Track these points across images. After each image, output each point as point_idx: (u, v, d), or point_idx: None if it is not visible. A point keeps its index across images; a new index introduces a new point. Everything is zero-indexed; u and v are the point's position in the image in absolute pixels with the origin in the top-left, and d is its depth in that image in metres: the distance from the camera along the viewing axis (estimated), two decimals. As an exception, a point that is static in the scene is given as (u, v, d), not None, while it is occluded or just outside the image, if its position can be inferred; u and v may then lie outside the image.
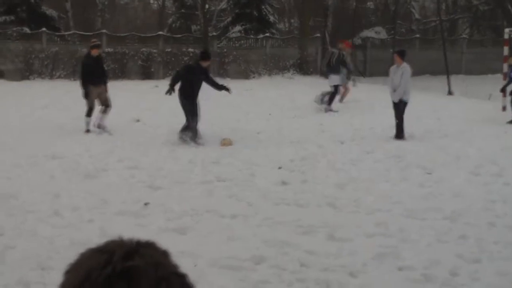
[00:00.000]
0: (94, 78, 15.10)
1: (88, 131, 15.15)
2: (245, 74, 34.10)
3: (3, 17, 35.17)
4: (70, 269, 1.21)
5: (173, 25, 43.10)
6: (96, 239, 6.32)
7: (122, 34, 36.60)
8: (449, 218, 8.44)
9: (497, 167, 11.78)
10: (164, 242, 1.33)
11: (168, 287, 1.18)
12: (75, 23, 43.88)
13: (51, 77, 31.17)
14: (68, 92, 24.02)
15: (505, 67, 21.01)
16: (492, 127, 16.99)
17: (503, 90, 20.03)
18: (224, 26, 40.68)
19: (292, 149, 13.52)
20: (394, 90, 15.13)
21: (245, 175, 11.09)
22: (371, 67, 36.06)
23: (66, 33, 35.63)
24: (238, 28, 39.02)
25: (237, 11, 40.09)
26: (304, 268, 6.57)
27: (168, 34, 37.64)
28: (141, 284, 1.15)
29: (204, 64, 14.44)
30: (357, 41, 38.11)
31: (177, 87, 14.15)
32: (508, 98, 18.89)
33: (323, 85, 23.10)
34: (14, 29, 33.35)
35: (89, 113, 15.22)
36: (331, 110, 19.89)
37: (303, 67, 35.93)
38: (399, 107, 15.02)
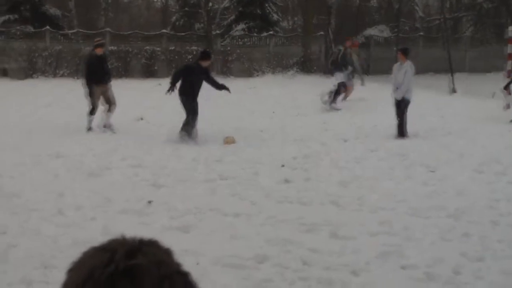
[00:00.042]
0: (97, 77, 15.11)
1: (90, 129, 15.16)
2: (248, 72, 34.07)
3: (7, 16, 35.24)
4: (73, 268, 1.21)
5: (177, 23, 43.12)
6: (99, 238, 6.30)
7: (125, 33, 36.62)
8: (453, 216, 8.43)
9: (501, 165, 11.76)
10: (167, 240, 1.33)
11: (171, 285, 1.18)
12: (79, 21, 43.92)
13: (55, 75, 31.18)
14: (71, 91, 24.03)
15: (509, 65, 21.00)
16: (496, 125, 16.96)
17: (506, 88, 19.98)
18: (227, 24, 40.68)
19: (295, 147, 13.52)
20: (397, 88, 15.12)
21: (248, 173, 11.09)
22: (375, 66, 35.97)
23: (70, 31, 35.68)
24: (241, 26, 39.03)
25: (240, 9, 40.10)
26: (307, 266, 6.57)
27: (172, 32, 37.66)
28: (144, 283, 1.15)
29: (204, 63, 14.42)
30: (361, 39, 38.04)
31: (178, 85, 14.16)
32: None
33: (326, 83, 23.10)
34: (18, 27, 33.41)
35: (92, 112, 15.23)
36: (336, 108, 19.87)
37: (307, 65, 35.89)
38: (400, 106, 15.01)
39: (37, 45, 31.61)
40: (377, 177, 10.86)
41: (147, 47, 33.56)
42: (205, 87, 14.62)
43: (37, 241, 7.22)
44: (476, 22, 47.36)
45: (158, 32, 36.57)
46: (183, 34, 36.81)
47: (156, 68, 33.04)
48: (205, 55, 14.80)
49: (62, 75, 31.15)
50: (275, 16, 40.40)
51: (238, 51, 34.89)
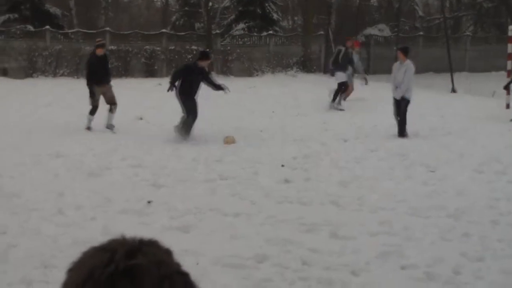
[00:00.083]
0: (98, 77, 15.13)
1: (89, 128, 15.17)
2: (248, 72, 34.08)
3: (7, 15, 35.27)
4: (73, 268, 1.21)
5: (177, 22, 43.13)
6: (99, 238, 6.30)
7: (125, 32, 36.63)
8: (453, 216, 8.44)
9: (501, 165, 11.77)
10: (167, 240, 1.33)
11: (171, 285, 1.18)
12: (79, 21, 43.96)
13: (55, 75, 31.19)
14: (71, 90, 24.05)
15: (509, 65, 20.99)
16: (496, 124, 16.96)
17: (506, 87, 20.01)
18: (227, 24, 40.71)
19: (295, 147, 13.52)
20: (397, 87, 15.12)
21: (248, 173, 11.09)
22: (375, 65, 35.99)
23: (70, 31, 35.70)
24: (241, 25, 39.06)
25: (240, 8, 40.13)
26: (307, 266, 6.57)
27: (172, 32, 37.68)
28: (144, 283, 1.15)
29: (203, 63, 14.42)
30: (361, 38, 38.06)
31: (177, 85, 14.18)
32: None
33: (327, 82, 23.10)
34: (18, 27, 33.43)
35: (92, 112, 15.24)
36: (338, 108, 19.84)
37: (307, 65, 35.90)
38: (401, 105, 15.01)
39: (37, 44, 31.61)
40: (377, 177, 10.86)
41: (147, 46, 33.57)
42: (205, 87, 14.63)
43: (37, 240, 7.22)
44: (476, 22, 47.45)
45: (158, 32, 36.57)
46: (183, 33, 36.82)
47: (156, 67, 33.05)
48: (204, 55, 14.82)
49: (62, 75, 31.15)
50: (275, 16, 40.43)
51: (238, 50, 34.89)
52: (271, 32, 37.37)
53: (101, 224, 7.75)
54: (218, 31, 37.52)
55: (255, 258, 6.70)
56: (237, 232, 7.65)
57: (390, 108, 15.47)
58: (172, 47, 33.65)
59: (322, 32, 38.13)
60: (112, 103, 15.34)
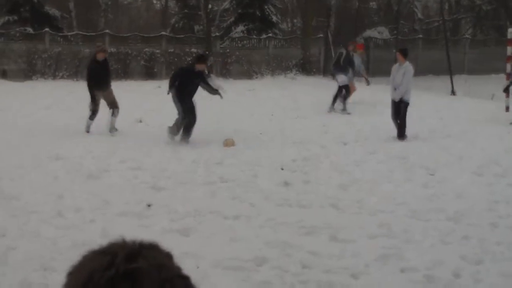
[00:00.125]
0: (99, 82, 15.14)
1: (88, 131, 15.19)
2: (247, 74, 34.11)
3: (6, 17, 35.27)
4: (72, 271, 1.21)
5: (176, 25, 43.18)
6: (98, 240, 6.31)
7: (125, 34, 36.67)
8: (452, 219, 8.44)
9: (500, 168, 11.77)
10: (167, 243, 1.33)
11: (171, 289, 1.18)
12: (78, 23, 43.97)
13: (54, 77, 31.22)
14: (71, 93, 24.08)
15: (509, 67, 20.99)
16: (495, 127, 16.96)
17: (506, 90, 20.02)
18: (227, 26, 40.73)
19: (295, 150, 13.51)
20: (395, 89, 15.13)
21: (247, 176, 11.09)
22: (374, 67, 35.99)
23: (69, 33, 35.73)
24: (241, 28, 39.07)
25: (240, 11, 40.13)
26: (307, 269, 6.57)
27: (171, 34, 37.73)
28: (144, 286, 1.15)
29: (200, 67, 14.42)
30: (360, 41, 38.10)
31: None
32: None
33: (326, 85, 23.10)
34: (17, 29, 33.46)
35: (92, 117, 15.24)
36: (345, 113, 19.80)
37: (306, 67, 35.93)
38: (400, 108, 15.01)
39: (36, 46, 31.64)
40: (377, 180, 10.86)
41: (147, 49, 33.61)
42: (201, 90, 14.64)
43: (37, 243, 7.22)
44: (475, 24, 47.48)
45: (157, 34, 36.59)
46: (182, 36, 36.85)
47: (155, 70, 33.10)
48: (201, 59, 14.82)
49: (62, 77, 31.19)
50: (275, 18, 40.44)
51: (237, 53, 34.94)
52: (270, 34, 37.41)
53: (101, 226, 7.74)
54: (217, 34, 37.56)
55: (254, 261, 6.70)
56: (237, 234, 7.65)
57: (389, 111, 15.46)
58: (172, 50, 33.70)
59: (321, 35, 38.18)
60: (113, 106, 15.36)
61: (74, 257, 1.25)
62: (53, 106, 20.93)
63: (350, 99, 21.60)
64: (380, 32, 41.87)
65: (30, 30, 33.85)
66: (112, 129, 15.25)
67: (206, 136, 14.60)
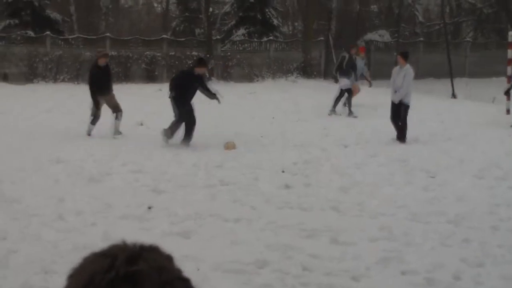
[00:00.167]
0: (101, 88, 15.17)
1: (89, 135, 15.21)
2: (248, 78, 34.10)
3: (8, 21, 35.27)
4: (73, 273, 1.22)
5: (177, 28, 43.14)
6: (99, 243, 6.30)
7: (126, 38, 36.62)
8: (453, 221, 8.44)
9: (501, 171, 11.77)
10: (167, 246, 1.33)
11: (172, 291, 1.18)
12: (79, 26, 43.94)
13: (55, 80, 31.21)
14: (72, 96, 24.07)
15: (509, 70, 20.99)
16: (496, 130, 16.97)
17: (507, 93, 20.02)
18: (227, 30, 40.72)
19: (296, 153, 13.51)
20: (396, 91, 15.15)
21: (248, 179, 11.09)
22: (375, 70, 35.95)
23: (70, 36, 35.72)
24: (241, 31, 39.05)
25: (241, 14, 40.12)
26: (307, 272, 6.57)
27: (172, 38, 37.69)
28: (144, 289, 1.15)
29: (199, 70, 14.43)
30: (361, 44, 38.10)
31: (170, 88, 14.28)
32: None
33: (327, 88, 23.08)
34: (18, 32, 33.46)
35: (93, 121, 15.25)
36: (352, 116, 19.77)
37: (307, 71, 35.92)
38: (401, 111, 15.02)
39: (37, 50, 31.63)
40: (377, 182, 10.86)
41: (148, 52, 33.60)
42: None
43: (38, 246, 7.22)
44: (476, 27, 47.46)
45: (158, 37, 36.57)
46: (183, 39, 36.83)
47: (156, 73, 33.08)
48: (201, 62, 14.83)
49: (63, 80, 31.17)
50: (276, 21, 40.42)
51: (238, 56, 34.92)
52: (271, 37, 37.38)
53: (102, 229, 7.74)
54: (218, 37, 37.54)
55: (255, 264, 6.71)
56: (238, 237, 7.65)
57: (389, 113, 15.45)
58: (173, 53, 33.67)
59: (322, 38, 38.15)
60: (117, 110, 15.38)
61: (75, 260, 1.25)
62: (54, 109, 20.94)
63: (353, 100, 21.62)
64: (381, 35, 41.85)
65: (31, 33, 33.85)
66: (116, 132, 15.28)
67: (206, 139, 14.60)
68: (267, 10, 39.77)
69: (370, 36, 41.40)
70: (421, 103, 20.83)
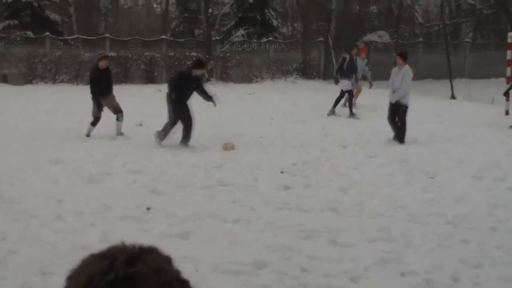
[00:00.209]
0: (102, 90, 15.18)
1: (88, 136, 15.20)
2: (248, 78, 34.12)
3: (7, 22, 35.27)
4: (72, 275, 1.22)
5: (176, 29, 43.14)
6: (98, 244, 6.32)
7: (125, 38, 36.62)
8: (452, 223, 8.44)
9: (500, 172, 11.77)
10: (166, 247, 1.34)
11: (171, 292, 1.18)
12: (79, 27, 43.95)
13: (54, 81, 31.22)
14: (71, 97, 24.08)
15: (509, 71, 21.00)
16: (495, 131, 16.97)
17: (506, 94, 20.02)
18: (227, 30, 40.72)
19: (295, 154, 13.51)
20: (394, 92, 15.16)
21: (247, 179, 11.09)
22: (374, 71, 35.95)
23: (70, 37, 35.74)
24: (241, 32, 39.06)
25: (240, 15, 40.13)
26: (306, 273, 6.57)
27: (171, 38, 37.70)
28: (143, 290, 1.15)
29: (197, 72, 14.42)
30: (361, 45, 38.10)
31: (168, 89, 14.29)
32: None
33: (326, 89, 23.06)
34: (18, 33, 33.47)
35: (93, 123, 15.24)
36: (354, 117, 19.75)
37: (306, 71, 35.93)
38: (399, 112, 15.02)
39: (37, 51, 31.64)
40: (377, 183, 10.86)
41: (147, 53, 33.62)
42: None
43: (37, 247, 7.22)
44: (476, 28, 47.46)
45: (157, 38, 36.58)
46: (182, 40, 36.85)
47: (155, 74, 33.10)
48: (199, 64, 14.82)
49: (62, 81, 31.19)
50: (275, 22, 40.42)
51: (237, 57, 34.93)
52: (270, 38, 37.40)
53: (100, 230, 7.74)
54: (217, 38, 37.54)
55: (254, 265, 6.71)
56: (237, 238, 7.65)
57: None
58: (172, 54, 33.69)
59: (321, 39, 38.15)
60: (117, 111, 15.39)
61: (74, 261, 1.26)
62: (53, 109, 20.93)
63: (356, 100, 21.63)
64: (380, 36, 41.85)
65: (30, 34, 33.85)
66: (119, 133, 15.31)
67: (205, 140, 14.61)
68: (266, 11, 39.78)
69: (369, 37, 41.41)
70: (420, 104, 20.84)
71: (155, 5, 61.50)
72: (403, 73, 15.03)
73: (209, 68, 32.36)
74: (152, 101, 22.96)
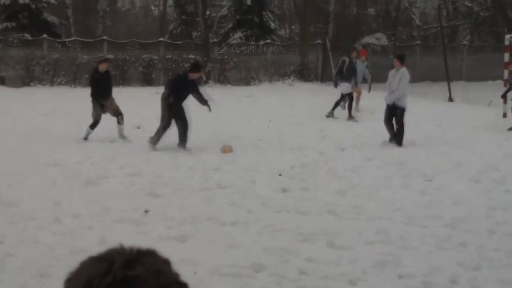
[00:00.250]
0: (102, 93, 15.18)
1: (86, 139, 15.16)
2: (245, 81, 34.13)
3: (5, 24, 35.25)
4: (70, 277, 1.22)
5: (174, 31, 43.15)
6: (96, 247, 6.32)
7: (123, 41, 36.63)
8: (450, 225, 8.44)
9: (498, 174, 11.78)
10: (164, 250, 1.34)
11: (169, 295, 1.18)
12: (76, 29, 43.94)
13: (52, 83, 31.21)
14: (69, 99, 24.06)
15: (506, 74, 21.01)
16: (493, 133, 16.99)
17: (503, 96, 20.04)
18: (225, 33, 40.72)
19: (293, 156, 13.51)
20: (391, 94, 15.17)
21: (245, 182, 11.08)
22: (372, 74, 35.99)
23: (67, 39, 35.70)
24: (239, 34, 39.07)
25: (238, 17, 40.14)
26: (304, 276, 6.57)
27: (169, 41, 37.69)
28: (142, 293, 1.15)
29: (193, 76, 14.41)
30: (358, 47, 38.11)
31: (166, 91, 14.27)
32: (509, 104, 18.91)
33: (324, 91, 23.05)
34: (16, 35, 33.44)
35: (92, 126, 15.22)
36: (353, 120, 19.74)
37: (304, 74, 35.95)
38: (397, 114, 15.03)
39: (34, 53, 31.64)
40: (375, 185, 10.86)
41: (145, 55, 33.62)
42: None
43: (35, 250, 7.21)
44: (473, 31, 47.55)
45: (155, 41, 36.58)
46: (180, 42, 36.84)
47: (153, 76, 33.10)
48: (195, 68, 14.80)
49: (59, 83, 31.18)
50: (273, 25, 40.44)
51: (235, 59, 34.94)
52: (268, 41, 37.43)
53: (98, 233, 7.74)
54: (215, 40, 37.57)
55: (252, 267, 6.70)
56: (235, 241, 7.64)
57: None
58: (170, 56, 33.70)
59: (319, 41, 38.18)
60: (117, 114, 15.39)
61: (71, 264, 1.25)
62: (51, 112, 20.92)
63: (359, 104, 21.64)
64: (378, 39, 41.90)
65: (28, 36, 33.83)
66: (121, 137, 15.31)
67: (203, 142, 14.60)
68: (264, 13, 39.80)
69: (367, 39, 41.46)
70: (417, 106, 20.87)
71: (153, 8, 61.47)
72: (400, 75, 15.05)
73: (206, 71, 32.38)
74: (150, 103, 22.90)
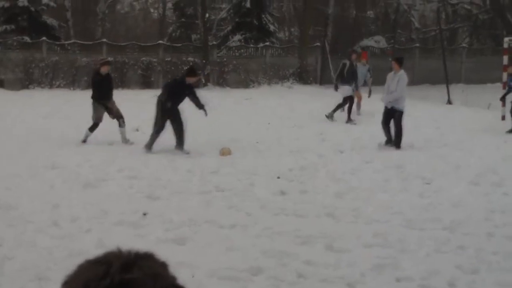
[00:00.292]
0: (103, 95, 15.20)
1: (84, 141, 15.15)
2: (244, 83, 34.12)
3: (4, 26, 35.24)
4: (68, 281, 1.22)
5: (173, 34, 43.12)
6: (94, 250, 6.32)
7: (122, 43, 36.60)
8: (448, 228, 8.44)
9: (497, 177, 11.78)
10: (162, 252, 1.34)
11: (167, 298, 1.18)
12: (76, 32, 43.94)
13: (51, 86, 31.18)
14: (68, 102, 24.04)
15: (505, 76, 21.02)
16: (492, 136, 16.99)
17: (502, 99, 20.05)
18: (224, 35, 40.71)
19: (292, 159, 13.51)
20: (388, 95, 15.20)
21: (244, 185, 11.08)
22: (372, 77, 36.05)
23: (66, 42, 35.68)
24: (238, 37, 39.06)
25: (237, 20, 40.14)
26: (302, 279, 6.56)
27: (168, 43, 37.66)
28: (139, 296, 1.15)
29: (190, 80, 14.41)
30: (358, 50, 38.12)
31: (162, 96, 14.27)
32: (508, 107, 18.91)
33: (323, 94, 23.05)
34: (15, 38, 33.43)
35: (92, 128, 15.21)
36: (352, 123, 19.72)
37: (303, 76, 35.95)
38: (395, 117, 15.03)
39: (33, 55, 31.61)
40: (373, 188, 10.86)
41: (144, 58, 33.59)
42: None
43: (33, 253, 7.21)
44: (472, 33, 47.57)
45: (154, 43, 36.57)
46: (179, 45, 36.81)
47: (152, 79, 33.06)
48: (191, 72, 14.80)
49: (59, 86, 31.15)
50: (272, 27, 40.42)
51: (234, 62, 34.93)
52: (267, 43, 37.42)
53: (97, 236, 7.73)
54: (214, 43, 37.55)
55: (250, 271, 6.70)
56: (233, 244, 7.64)
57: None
58: (169, 59, 33.68)
59: (318, 44, 38.17)
60: (118, 116, 15.39)
61: (69, 267, 1.25)
62: (50, 115, 20.90)
63: (361, 108, 21.63)
64: (377, 41, 41.91)
65: (27, 39, 33.81)
66: (124, 140, 15.31)
67: (202, 145, 14.60)
68: (263, 16, 39.80)
69: (366, 42, 41.47)
70: (416, 109, 20.88)
71: (152, 10, 61.54)
72: (398, 77, 15.07)
73: (206, 73, 32.38)
74: (149, 106, 22.77)
